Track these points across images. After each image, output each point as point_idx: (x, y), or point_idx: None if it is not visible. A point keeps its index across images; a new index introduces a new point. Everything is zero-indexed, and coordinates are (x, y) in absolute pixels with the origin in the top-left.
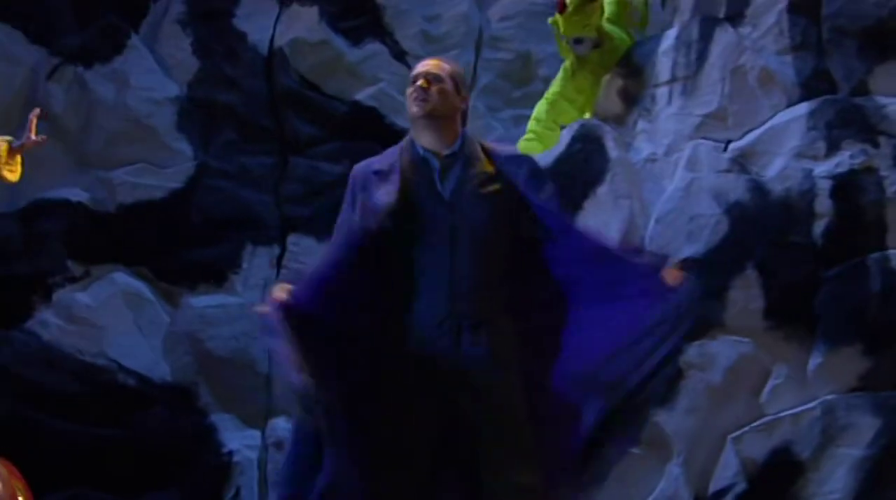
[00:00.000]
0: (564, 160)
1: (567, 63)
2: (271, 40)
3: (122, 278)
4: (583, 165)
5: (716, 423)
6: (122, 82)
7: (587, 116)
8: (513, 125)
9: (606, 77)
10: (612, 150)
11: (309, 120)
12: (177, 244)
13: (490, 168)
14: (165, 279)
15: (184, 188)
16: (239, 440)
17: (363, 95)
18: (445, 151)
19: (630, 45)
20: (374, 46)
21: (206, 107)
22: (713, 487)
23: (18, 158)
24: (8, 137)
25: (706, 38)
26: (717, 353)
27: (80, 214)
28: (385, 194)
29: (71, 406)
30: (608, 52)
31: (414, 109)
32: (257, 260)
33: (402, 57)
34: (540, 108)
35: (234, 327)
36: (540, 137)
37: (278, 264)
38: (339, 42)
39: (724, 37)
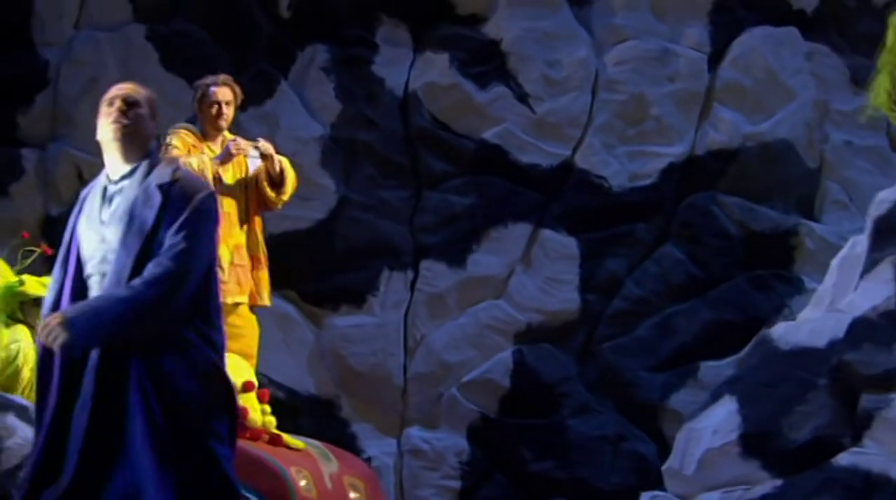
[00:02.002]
0: None
1: None
2: (406, 84)
3: (273, 301)
4: None
5: None
6: (273, 123)
7: None
8: (627, 160)
9: None
10: None
11: (440, 157)
12: (321, 270)
13: (146, 193)
14: (311, 302)
15: (327, 219)
16: (377, 447)
17: (490, 134)
18: (118, 175)
19: None
20: (499, 89)
21: (347, 145)
22: None
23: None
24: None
25: None
26: None
27: None
28: (75, 215)
29: None
30: None
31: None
32: (393, 284)
33: (525, 99)
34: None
35: (372, 344)
36: None
37: (412, 287)
38: (468, 86)
39: None
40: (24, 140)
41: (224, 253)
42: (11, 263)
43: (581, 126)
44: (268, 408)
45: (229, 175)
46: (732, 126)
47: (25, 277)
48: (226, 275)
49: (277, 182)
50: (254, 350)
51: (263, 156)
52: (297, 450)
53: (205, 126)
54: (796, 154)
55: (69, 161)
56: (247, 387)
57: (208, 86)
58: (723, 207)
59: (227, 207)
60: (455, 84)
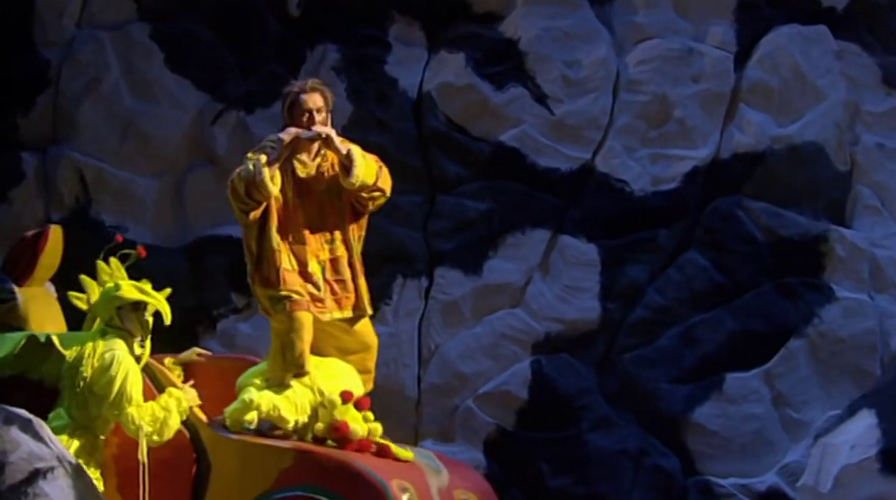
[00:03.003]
0: None
1: None
2: (420, 85)
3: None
4: None
5: None
6: (281, 125)
7: None
8: (649, 163)
9: None
10: None
11: (455, 160)
12: None
13: None
14: None
15: None
16: None
17: (506, 137)
18: None
19: None
20: (516, 90)
21: (360, 148)
22: None
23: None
24: None
25: None
26: None
27: (242, 249)
28: None
29: None
30: None
31: None
32: (407, 292)
33: (543, 100)
34: None
35: (385, 354)
36: None
37: (426, 295)
38: (484, 86)
39: None
40: (25, 143)
41: (315, 270)
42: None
43: (601, 128)
44: (370, 415)
45: (316, 184)
46: (759, 128)
47: (122, 281)
48: (320, 291)
49: (347, 167)
50: (371, 365)
51: (321, 138)
52: (405, 461)
53: None
54: (826, 157)
55: (70, 165)
56: (345, 397)
57: (298, 93)
58: (749, 212)
59: (311, 221)
60: (470, 85)
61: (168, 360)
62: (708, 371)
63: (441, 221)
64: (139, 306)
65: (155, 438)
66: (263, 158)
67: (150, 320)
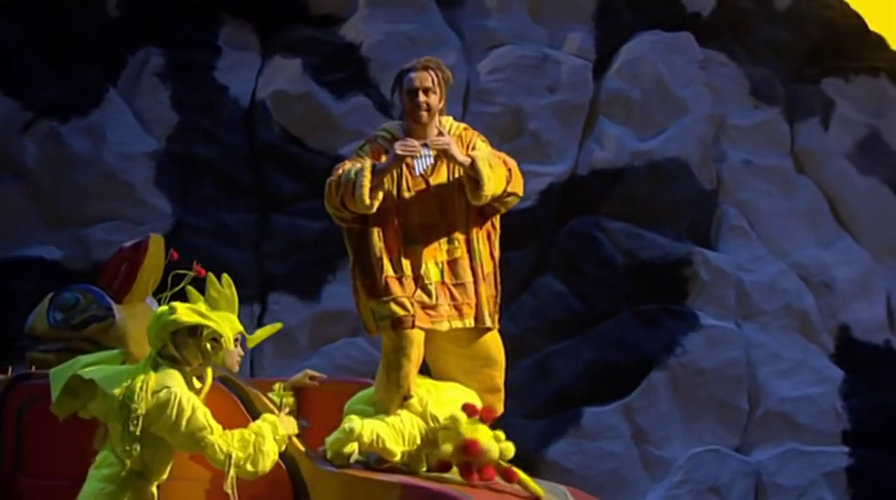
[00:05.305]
0: None
1: None
2: (253, 93)
3: None
4: None
5: None
6: (99, 137)
7: None
8: None
9: None
10: None
11: (290, 175)
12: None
13: None
14: None
15: None
16: None
17: (347, 149)
18: None
19: None
20: (358, 99)
21: (184, 162)
22: None
23: None
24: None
25: None
26: None
27: (53, 272)
28: None
29: None
30: None
31: None
32: None
33: (387, 110)
34: None
35: None
36: None
37: (258, 323)
38: (323, 95)
39: None
40: None
41: (433, 271)
42: None
43: None
44: (501, 434)
45: (435, 177)
46: (619, 142)
47: (176, 303)
48: (433, 298)
49: (473, 182)
50: (500, 382)
51: (440, 153)
52: (531, 496)
53: (407, 120)
54: (689, 174)
55: None
56: (469, 411)
57: (407, 72)
58: (608, 233)
59: (428, 218)
60: (308, 93)
61: (277, 385)
62: (563, 405)
63: (275, 242)
64: (196, 331)
65: (248, 467)
66: (368, 164)
67: (209, 346)
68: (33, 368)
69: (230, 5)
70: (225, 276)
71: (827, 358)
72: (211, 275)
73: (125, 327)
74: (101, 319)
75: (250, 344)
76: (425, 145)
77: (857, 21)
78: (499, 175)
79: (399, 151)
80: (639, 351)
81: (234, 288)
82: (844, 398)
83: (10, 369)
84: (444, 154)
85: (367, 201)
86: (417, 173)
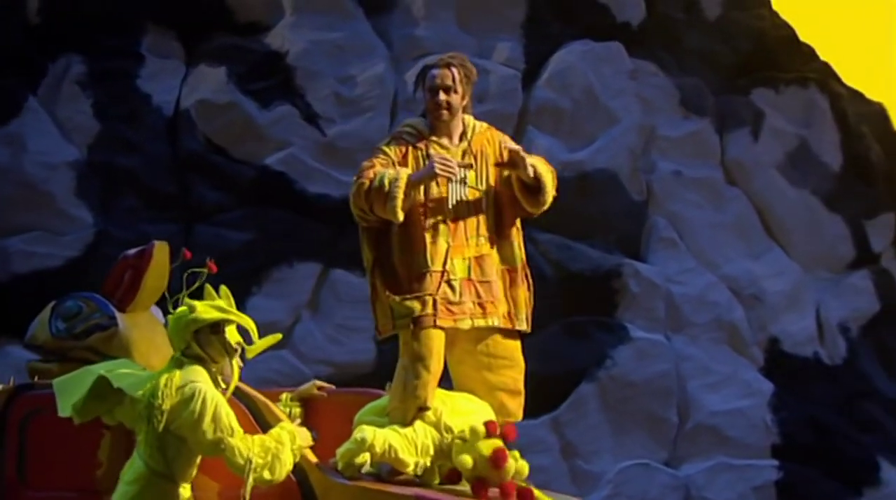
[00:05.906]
0: None
1: None
2: (176, 102)
3: (16, 352)
4: None
5: None
6: (18, 145)
7: None
8: None
9: None
10: None
11: (214, 185)
12: None
13: None
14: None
15: (82, 257)
16: None
17: (272, 160)
18: None
19: None
20: (284, 109)
21: (106, 171)
22: None
23: None
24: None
25: None
26: None
27: None
28: None
29: None
30: None
31: None
32: None
33: (313, 120)
34: None
35: None
36: None
37: None
38: (248, 104)
39: None
40: None
41: (459, 266)
42: None
43: None
44: (517, 453)
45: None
46: (548, 153)
47: (196, 302)
48: (456, 294)
49: (533, 190)
50: (520, 385)
51: (508, 164)
52: None
53: (430, 118)
54: (619, 185)
55: None
56: (490, 429)
57: (429, 68)
58: (536, 244)
59: (456, 212)
60: (232, 102)
61: (285, 395)
62: None
63: (198, 254)
64: (218, 328)
65: (266, 475)
66: (404, 175)
67: (233, 340)
68: (35, 378)
69: (154, 13)
70: (223, 287)
71: (756, 371)
72: (208, 286)
73: (129, 336)
74: (105, 328)
75: (250, 355)
76: (464, 167)
77: (788, 32)
78: (554, 183)
79: (438, 171)
80: (567, 364)
81: (231, 298)
82: (774, 412)
83: (11, 379)
84: (512, 167)
85: (400, 217)
86: (452, 192)
